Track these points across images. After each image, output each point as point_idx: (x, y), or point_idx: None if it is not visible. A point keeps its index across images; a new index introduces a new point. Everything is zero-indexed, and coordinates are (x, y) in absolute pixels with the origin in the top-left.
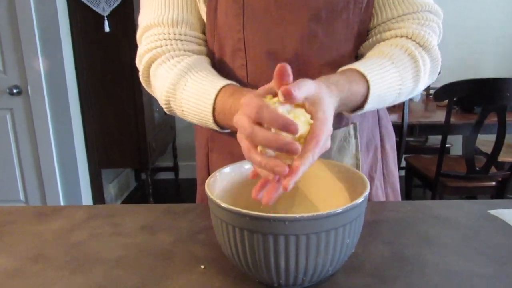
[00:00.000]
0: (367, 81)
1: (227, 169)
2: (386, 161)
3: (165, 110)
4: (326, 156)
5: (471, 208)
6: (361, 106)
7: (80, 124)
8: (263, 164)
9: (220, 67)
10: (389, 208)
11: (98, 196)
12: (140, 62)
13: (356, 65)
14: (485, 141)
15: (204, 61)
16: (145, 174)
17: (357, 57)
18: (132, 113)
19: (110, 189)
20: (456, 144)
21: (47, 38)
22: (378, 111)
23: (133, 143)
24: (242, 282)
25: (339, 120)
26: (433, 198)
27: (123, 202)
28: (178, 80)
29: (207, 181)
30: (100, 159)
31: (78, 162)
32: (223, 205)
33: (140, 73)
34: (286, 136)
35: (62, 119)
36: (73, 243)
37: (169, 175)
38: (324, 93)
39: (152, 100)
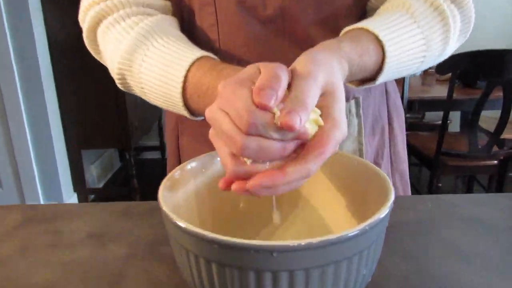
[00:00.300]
0: (381, 47)
1: (192, 164)
2: (394, 145)
3: (119, 86)
4: None
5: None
6: (372, 78)
7: (55, 102)
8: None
9: (185, 29)
10: (404, 205)
11: (79, 178)
12: (84, 19)
13: (367, 24)
14: (486, 117)
15: (171, 22)
16: (128, 154)
17: (362, 16)
18: (111, 88)
19: (92, 170)
20: (454, 120)
21: (14, 7)
22: (386, 82)
23: (114, 121)
24: None
25: None
26: (432, 178)
27: (107, 184)
28: (135, 48)
29: (162, 184)
30: (79, 139)
31: (55, 142)
32: (181, 224)
33: (84, 35)
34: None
35: (35, 96)
36: None
37: (156, 155)
38: (338, 80)
39: None
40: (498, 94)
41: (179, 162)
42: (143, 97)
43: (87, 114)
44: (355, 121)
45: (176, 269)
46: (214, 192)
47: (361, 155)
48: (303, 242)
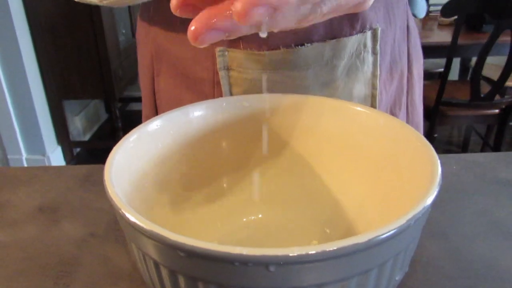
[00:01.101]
0: None
1: (156, 123)
2: (411, 93)
3: None
4: (328, 80)
5: None
6: None
7: (31, 49)
8: None
9: None
10: None
11: (62, 131)
12: None
13: None
14: (487, 64)
15: None
16: (113, 105)
17: None
18: (90, 34)
19: (77, 122)
20: (453, 67)
21: None
22: (408, 19)
23: (95, 70)
24: None
25: (351, 21)
26: (431, 128)
27: (93, 136)
28: None
29: (109, 156)
30: (60, 89)
31: (33, 92)
32: (132, 218)
33: None
34: None
35: (8, 43)
36: None
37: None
38: None
39: (115, 20)
40: (503, 38)
41: (155, 109)
42: None
43: (67, 63)
44: (370, 58)
45: None
46: (189, 160)
47: (373, 102)
48: (314, 250)
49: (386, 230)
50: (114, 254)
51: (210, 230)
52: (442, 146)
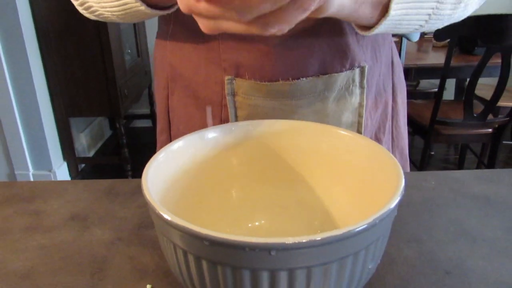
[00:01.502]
0: None
1: (179, 144)
2: (396, 120)
3: (83, 11)
4: (320, 109)
5: None
6: (370, 26)
7: (41, 68)
8: None
9: None
10: (407, 183)
11: (68, 147)
12: None
13: None
14: (481, 85)
15: None
16: (118, 122)
17: None
18: (98, 53)
19: (82, 139)
20: (448, 88)
21: None
22: (392, 55)
23: (102, 88)
24: None
25: (342, 60)
26: (426, 146)
27: (97, 152)
28: None
29: (145, 168)
30: (67, 107)
31: (42, 110)
32: (166, 216)
33: None
34: None
35: (20, 64)
36: None
37: (146, 123)
38: None
39: (121, 40)
40: (495, 61)
41: (169, 123)
42: (109, 15)
43: (74, 81)
44: (357, 91)
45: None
46: (205, 174)
47: (359, 127)
48: (304, 239)
49: (358, 225)
50: (139, 255)
51: (225, 222)
52: (439, 163)
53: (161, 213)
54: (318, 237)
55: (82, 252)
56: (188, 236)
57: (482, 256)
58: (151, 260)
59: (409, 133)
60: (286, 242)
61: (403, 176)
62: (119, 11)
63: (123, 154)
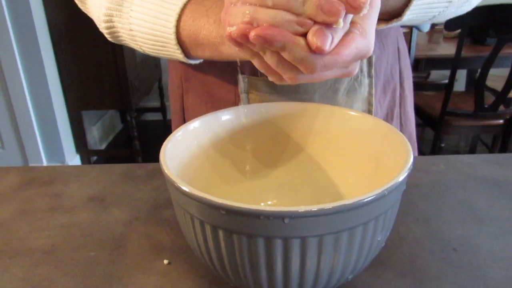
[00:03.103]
0: None
1: (195, 124)
2: (404, 105)
3: (108, 36)
4: (331, 101)
5: None
6: (397, 14)
7: (54, 62)
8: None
9: None
10: (416, 166)
11: (80, 140)
12: None
13: None
14: (492, 76)
15: None
16: (129, 115)
17: None
18: (109, 47)
19: (94, 132)
20: (459, 79)
21: None
22: (398, 40)
23: (113, 82)
24: None
25: None
26: (436, 138)
27: (109, 145)
28: None
29: (163, 145)
30: (79, 100)
31: (55, 104)
32: (184, 188)
33: None
34: None
35: (33, 58)
36: None
37: (157, 116)
38: None
39: None
40: (506, 51)
41: (184, 121)
42: (133, 45)
43: (86, 75)
44: (366, 81)
45: (180, 232)
46: (219, 153)
47: None
48: (316, 207)
49: (367, 196)
50: (156, 233)
51: (239, 197)
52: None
53: (180, 185)
54: (328, 206)
55: (102, 231)
56: (205, 206)
57: (489, 234)
58: (167, 238)
59: (420, 125)
60: (299, 210)
61: (411, 152)
62: (152, 46)
63: (134, 146)
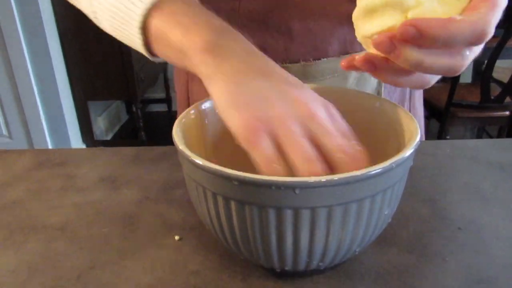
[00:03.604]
0: None
1: (206, 104)
2: (413, 101)
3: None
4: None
5: None
6: None
7: (60, 53)
8: None
9: None
10: (423, 150)
11: (87, 130)
12: None
13: None
14: (498, 67)
15: None
16: (135, 106)
17: None
18: (116, 40)
19: (100, 122)
20: (465, 70)
21: None
22: None
23: (119, 73)
24: (231, 264)
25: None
26: (441, 129)
27: (114, 136)
28: None
29: (176, 122)
30: (85, 90)
31: (61, 94)
32: (198, 161)
33: None
34: None
35: (39, 47)
36: (7, 202)
37: (162, 107)
38: None
39: None
40: None
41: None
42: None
43: (93, 66)
44: None
45: (190, 211)
46: (228, 137)
47: None
48: (325, 178)
49: (375, 168)
50: (166, 212)
51: None
52: None
53: (193, 158)
54: (337, 176)
55: (114, 209)
56: (218, 178)
57: (494, 214)
58: (178, 216)
59: (425, 117)
60: (309, 181)
61: (418, 129)
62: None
63: (140, 137)
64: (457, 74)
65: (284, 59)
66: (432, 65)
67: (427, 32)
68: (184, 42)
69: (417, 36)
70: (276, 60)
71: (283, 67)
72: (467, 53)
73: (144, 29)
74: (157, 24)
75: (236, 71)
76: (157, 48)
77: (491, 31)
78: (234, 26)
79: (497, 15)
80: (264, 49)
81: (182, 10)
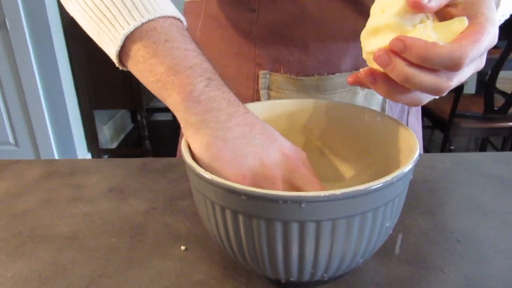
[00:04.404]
0: None
1: None
2: (410, 114)
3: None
4: (350, 102)
5: None
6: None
7: (67, 62)
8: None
9: None
10: (423, 163)
11: (92, 139)
12: None
13: None
14: (502, 78)
15: None
16: (140, 115)
17: None
18: None
19: (105, 131)
20: (469, 81)
21: None
22: None
23: (124, 82)
24: (236, 274)
25: None
26: (445, 140)
27: (119, 145)
28: None
29: (183, 140)
30: (91, 99)
31: (68, 103)
32: (207, 176)
33: None
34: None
35: (47, 58)
36: (17, 212)
37: (167, 116)
38: None
39: None
40: None
41: None
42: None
43: (99, 75)
44: None
45: (195, 221)
46: None
47: None
48: (329, 193)
49: (377, 183)
50: (173, 222)
51: None
52: None
53: (202, 173)
54: (341, 191)
55: (121, 219)
56: (226, 192)
57: (493, 227)
58: (183, 227)
59: (429, 127)
60: (315, 195)
61: (418, 144)
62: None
63: (145, 146)
64: (442, 94)
65: (299, 71)
66: (420, 82)
67: (411, 49)
68: (168, 82)
69: (403, 49)
70: (290, 72)
71: (297, 79)
72: (452, 76)
73: (123, 47)
74: (141, 52)
75: (220, 123)
76: (132, 68)
77: (466, 62)
78: (251, 37)
79: (477, 49)
80: (278, 60)
81: (170, 44)
